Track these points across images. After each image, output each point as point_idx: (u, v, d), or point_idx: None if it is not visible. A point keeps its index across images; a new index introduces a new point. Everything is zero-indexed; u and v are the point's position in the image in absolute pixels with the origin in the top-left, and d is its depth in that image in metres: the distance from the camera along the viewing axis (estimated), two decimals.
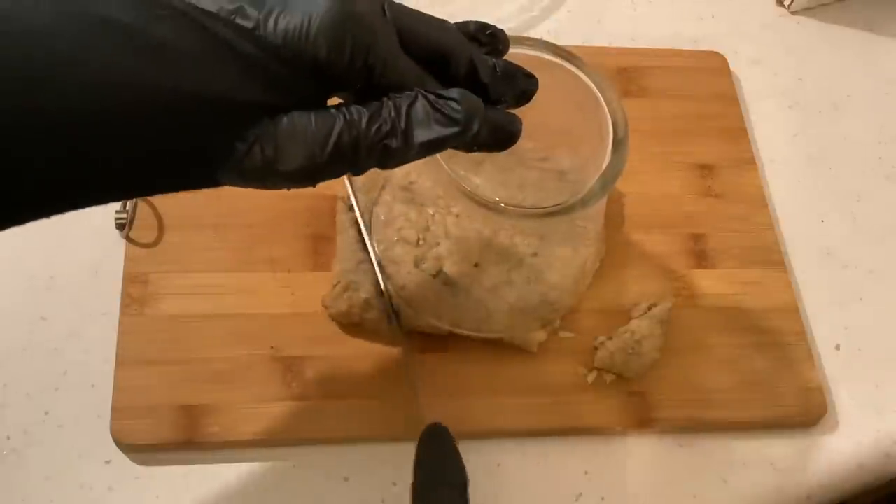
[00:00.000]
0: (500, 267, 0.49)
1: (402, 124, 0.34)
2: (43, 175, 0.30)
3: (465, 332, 0.52)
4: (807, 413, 0.55)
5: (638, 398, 0.53)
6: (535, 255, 0.49)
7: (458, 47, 0.37)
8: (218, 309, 0.52)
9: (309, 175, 0.34)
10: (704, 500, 0.52)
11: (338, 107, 0.34)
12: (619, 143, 0.45)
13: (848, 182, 0.65)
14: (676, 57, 0.67)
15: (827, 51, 0.72)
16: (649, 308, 0.55)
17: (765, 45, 0.71)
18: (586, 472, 0.52)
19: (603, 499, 0.51)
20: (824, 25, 0.73)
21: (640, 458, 0.53)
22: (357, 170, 0.34)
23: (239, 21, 0.31)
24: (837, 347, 0.58)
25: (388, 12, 0.35)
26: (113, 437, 0.49)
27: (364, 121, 0.33)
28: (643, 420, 0.53)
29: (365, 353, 0.53)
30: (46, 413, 0.50)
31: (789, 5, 0.73)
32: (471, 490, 0.50)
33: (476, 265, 0.49)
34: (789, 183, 0.64)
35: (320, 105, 0.34)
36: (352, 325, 0.52)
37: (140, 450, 0.49)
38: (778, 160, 0.65)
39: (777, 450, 0.54)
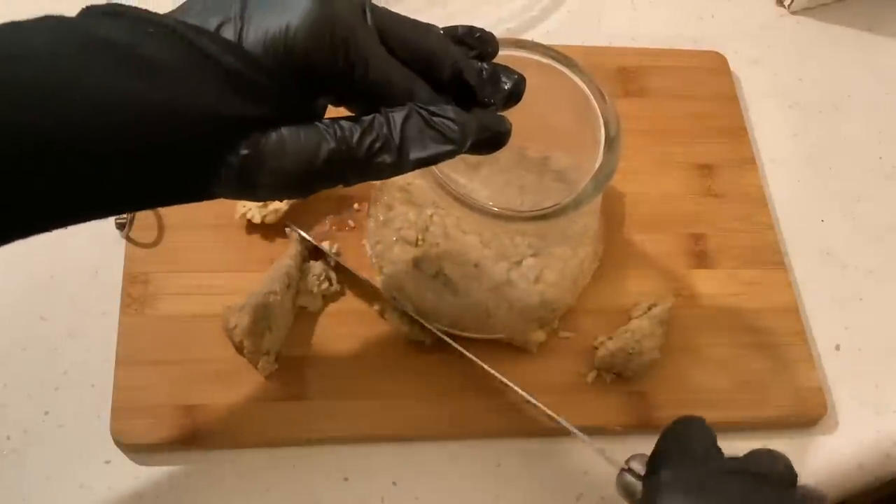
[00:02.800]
0: (500, 267, 0.49)
1: (397, 140, 0.34)
2: (39, 193, 0.30)
3: (465, 334, 0.52)
4: (806, 413, 0.55)
5: (638, 398, 0.53)
6: (534, 255, 0.49)
7: (441, 50, 0.37)
8: (218, 309, 0.52)
9: (298, 190, 0.34)
10: None
11: (329, 122, 0.34)
12: (611, 143, 0.46)
13: (848, 182, 0.65)
14: (676, 57, 0.67)
15: (827, 51, 0.72)
16: (649, 308, 0.55)
17: (765, 44, 0.71)
18: (586, 472, 0.52)
19: (603, 499, 0.51)
20: (824, 25, 0.73)
21: None
22: (347, 184, 0.35)
23: (223, 34, 0.32)
24: (837, 347, 0.58)
25: (369, 15, 0.35)
26: (113, 437, 0.49)
27: (356, 137, 0.34)
28: (643, 420, 0.53)
29: (365, 354, 0.53)
30: (46, 413, 0.50)
31: (789, 5, 0.73)
32: (470, 490, 0.51)
33: (476, 265, 0.49)
34: (789, 183, 0.64)
35: (308, 111, 0.34)
36: (234, 344, 0.51)
37: (140, 450, 0.49)
38: (778, 160, 0.65)
39: (777, 450, 0.54)
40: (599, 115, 0.46)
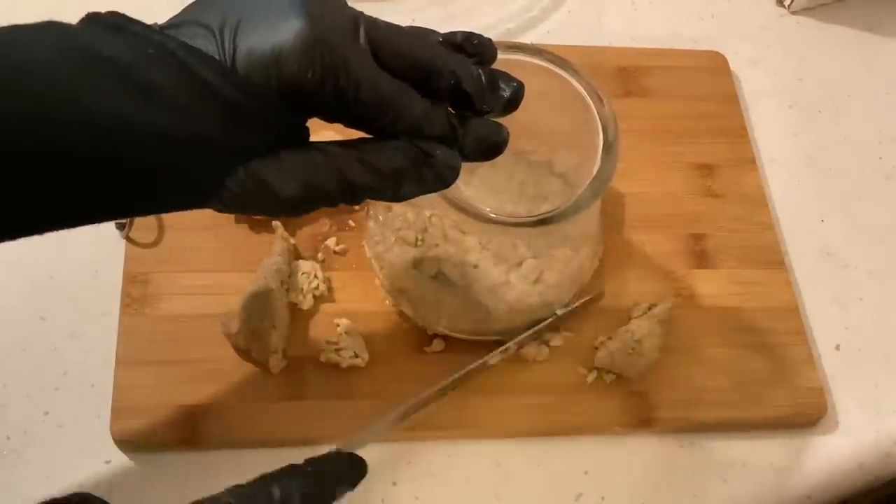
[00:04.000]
0: (499, 268, 0.49)
1: (391, 182, 0.35)
2: (31, 199, 0.31)
3: (465, 335, 0.52)
4: (807, 413, 0.54)
5: (638, 398, 0.53)
6: (533, 256, 0.49)
7: (439, 60, 0.36)
8: (218, 309, 0.52)
9: (291, 213, 0.35)
10: (704, 500, 0.52)
11: (329, 153, 0.34)
12: (609, 146, 0.46)
13: (848, 182, 0.65)
14: (676, 57, 0.67)
15: (827, 51, 0.72)
16: (649, 308, 0.55)
17: (764, 44, 0.71)
18: (586, 472, 0.52)
19: (603, 499, 0.51)
20: (824, 25, 0.73)
21: (640, 458, 0.53)
22: (335, 206, 0.36)
23: (220, 59, 0.32)
24: (837, 347, 0.58)
25: (362, 30, 0.35)
26: (113, 437, 0.49)
27: (353, 174, 0.34)
28: (643, 420, 0.53)
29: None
30: (46, 413, 0.50)
31: (789, 5, 0.73)
32: (470, 490, 0.51)
33: (475, 266, 0.49)
34: (789, 183, 0.64)
35: (299, 129, 0.35)
36: (239, 349, 0.51)
37: (140, 450, 0.49)
38: (778, 160, 0.65)
39: (777, 450, 0.54)
40: (597, 118, 0.46)
